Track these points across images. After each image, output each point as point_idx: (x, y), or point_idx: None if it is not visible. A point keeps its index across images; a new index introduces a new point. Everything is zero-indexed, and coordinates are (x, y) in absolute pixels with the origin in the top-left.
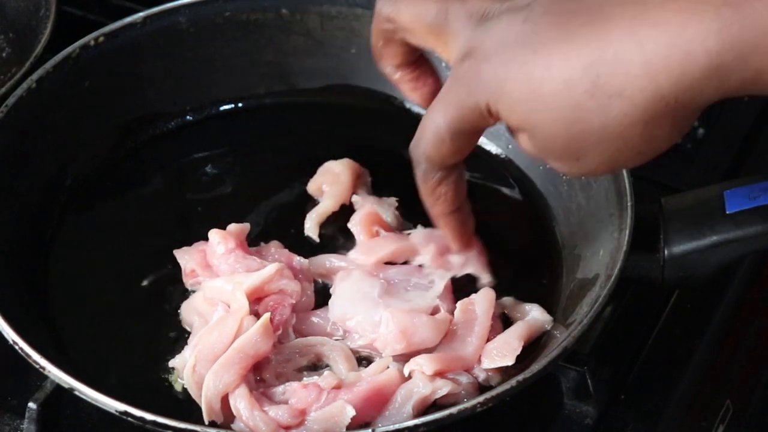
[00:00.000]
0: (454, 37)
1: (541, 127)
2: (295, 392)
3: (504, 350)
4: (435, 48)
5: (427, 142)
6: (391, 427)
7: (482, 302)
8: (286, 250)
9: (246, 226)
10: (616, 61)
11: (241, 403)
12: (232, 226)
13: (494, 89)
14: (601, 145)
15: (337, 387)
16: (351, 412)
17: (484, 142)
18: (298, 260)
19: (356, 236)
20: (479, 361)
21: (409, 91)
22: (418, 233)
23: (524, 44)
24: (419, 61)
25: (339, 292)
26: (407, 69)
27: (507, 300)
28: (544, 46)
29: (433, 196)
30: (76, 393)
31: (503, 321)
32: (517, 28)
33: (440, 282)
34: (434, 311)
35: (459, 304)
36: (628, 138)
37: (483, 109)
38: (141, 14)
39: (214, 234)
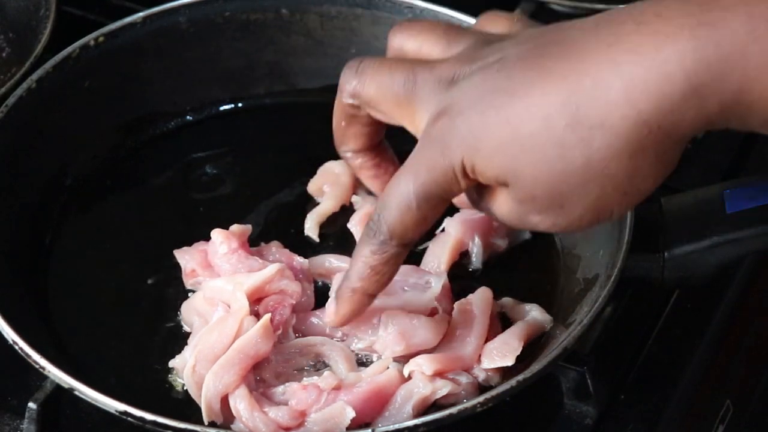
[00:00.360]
0: (423, 104)
1: (522, 172)
2: (295, 393)
3: (504, 350)
4: (402, 121)
5: (392, 211)
6: (391, 427)
7: (479, 302)
8: (287, 250)
9: (248, 228)
10: (595, 89)
11: (241, 404)
12: (235, 227)
13: (471, 142)
14: (585, 186)
15: (337, 387)
16: (351, 413)
17: None
18: (298, 260)
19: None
20: (479, 360)
21: (369, 179)
22: (452, 224)
23: (500, 90)
24: (380, 147)
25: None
26: (369, 154)
27: (506, 300)
28: (521, 87)
29: (372, 271)
30: (76, 393)
31: (503, 321)
32: (491, 79)
33: (438, 282)
34: (432, 312)
35: (456, 304)
36: (613, 174)
37: (458, 168)
38: (141, 14)
39: (216, 234)
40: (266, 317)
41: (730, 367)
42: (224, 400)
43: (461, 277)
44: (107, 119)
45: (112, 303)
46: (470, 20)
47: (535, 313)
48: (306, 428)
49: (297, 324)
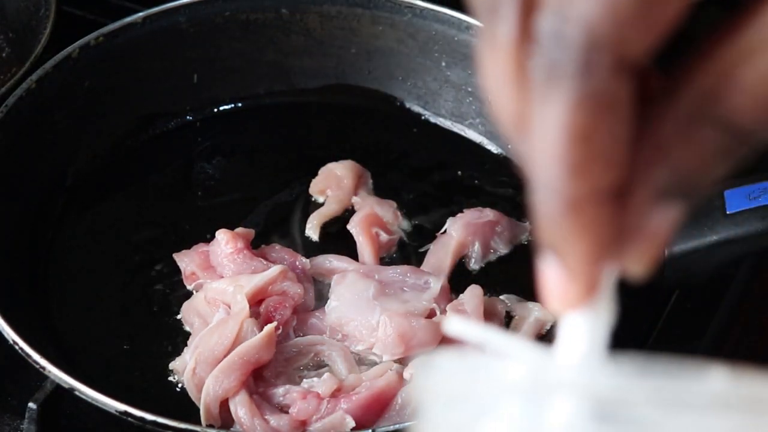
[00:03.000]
0: None
1: None
2: (295, 402)
3: None
4: None
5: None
6: (391, 428)
7: (471, 300)
8: (290, 250)
9: (251, 232)
10: None
11: (242, 410)
12: (240, 230)
13: None
14: None
15: (337, 390)
16: (351, 423)
17: (484, 141)
18: (301, 261)
19: (355, 237)
20: None
21: None
22: (454, 227)
23: None
24: None
25: (335, 295)
26: None
27: (510, 297)
28: None
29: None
30: (77, 393)
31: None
32: None
33: (436, 283)
34: (430, 314)
35: (448, 307)
36: None
37: None
38: (141, 14)
39: (222, 234)
40: (271, 326)
41: (730, 367)
42: (223, 404)
43: (462, 278)
44: (107, 119)
45: (112, 303)
46: (471, 20)
47: (538, 312)
48: None
49: (297, 324)
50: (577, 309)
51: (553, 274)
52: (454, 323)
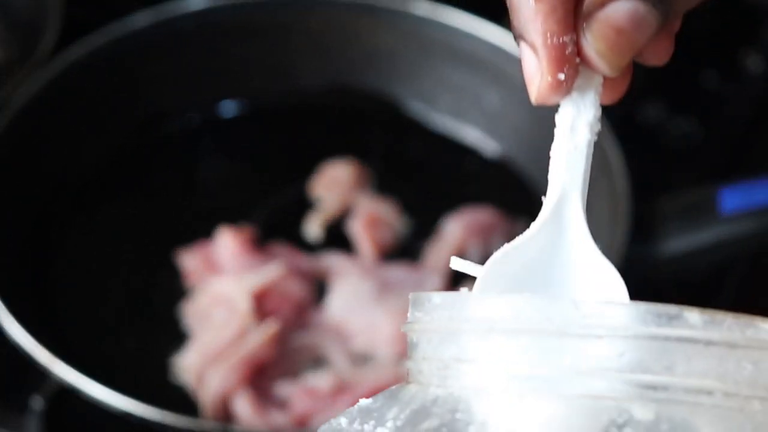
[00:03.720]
0: None
1: None
2: (296, 398)
3: None
4: None
5: None
6: None
7: None
8: (291, 249)
9: (253, 232)
10: None
11: (243, 406)
12: (241, 229)
13: None
14: None
15: (338, 387)
16: None
17: (484, 141)
18: (302, 259)
19: (355, 237)
20: None
21: None
22: (453, 224)
23: None
24: None
25: (335, 295)
26: None
27: None
28: None
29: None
30: (81, 391)
31: None
32: None
33: (435, 282)
34: None
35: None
36: None
37: None
38: (144, 16)
39: (223, 233)
40: (272, 325)
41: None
42: (225, 401)
43: (460, 277)
44: (110, 121)
45: (115, 302)
46: (470, 22)
47: None
48: None
49: (298, 322)
50: (554, 95)
51: (526, 60)
52: (457, 262)
